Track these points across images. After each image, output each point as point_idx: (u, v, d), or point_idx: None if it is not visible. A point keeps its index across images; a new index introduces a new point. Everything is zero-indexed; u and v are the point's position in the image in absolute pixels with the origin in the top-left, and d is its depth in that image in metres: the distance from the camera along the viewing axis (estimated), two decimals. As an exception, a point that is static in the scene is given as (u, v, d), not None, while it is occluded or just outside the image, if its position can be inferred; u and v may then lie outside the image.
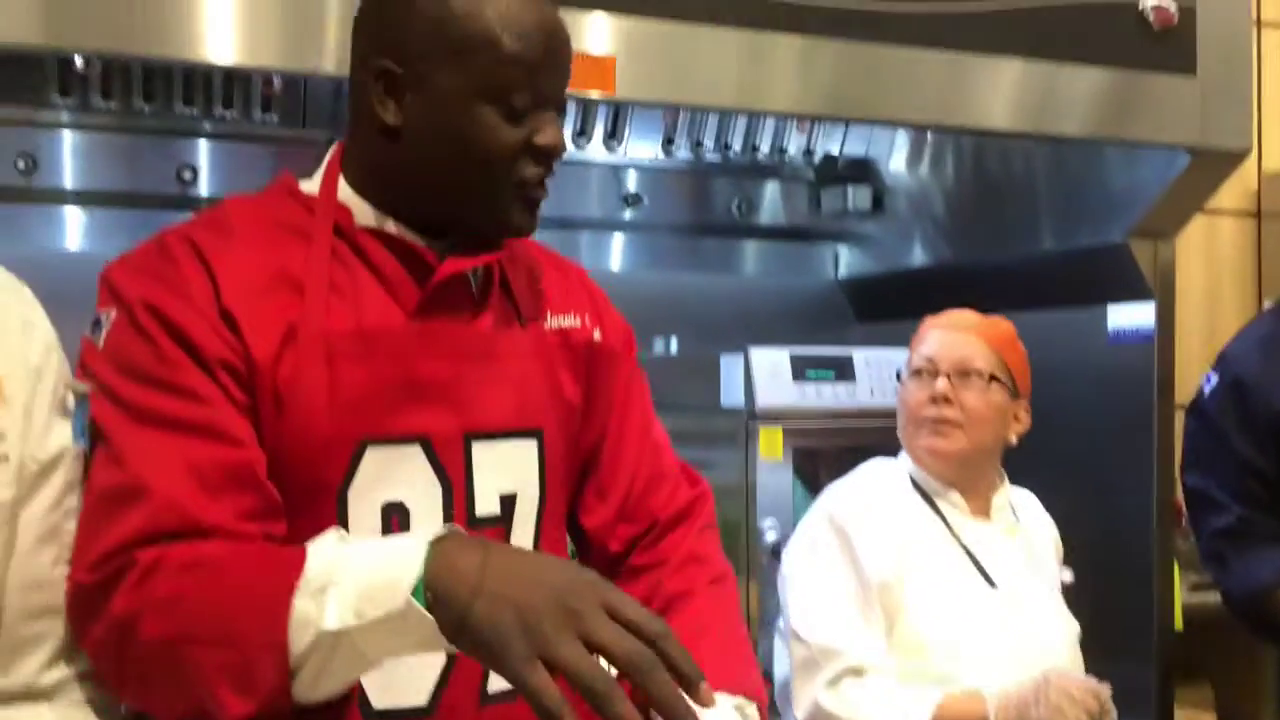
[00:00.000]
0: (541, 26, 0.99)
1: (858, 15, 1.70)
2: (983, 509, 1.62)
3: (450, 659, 1.00)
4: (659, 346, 2.41)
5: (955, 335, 1.62)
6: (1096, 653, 2.05)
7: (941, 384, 1.56)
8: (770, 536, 1.94)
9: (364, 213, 1.03)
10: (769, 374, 1.96)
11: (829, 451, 2.04)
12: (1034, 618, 1.54)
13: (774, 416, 1.96)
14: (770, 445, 1.94)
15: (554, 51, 1.01)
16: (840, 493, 1.60)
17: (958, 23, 1.77)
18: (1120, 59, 1.85)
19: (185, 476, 0.91)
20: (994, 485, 1.64)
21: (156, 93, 2.16)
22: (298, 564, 0.85)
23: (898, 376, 1.72)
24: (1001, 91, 1.81)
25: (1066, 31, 1.82)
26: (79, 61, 2.06)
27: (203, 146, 2.28)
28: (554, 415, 1.11)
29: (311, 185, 1.06)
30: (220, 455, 0.93)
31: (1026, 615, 1.54)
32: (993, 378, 1.58)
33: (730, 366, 2.01)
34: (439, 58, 0.97)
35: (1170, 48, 1.88)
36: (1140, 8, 1.85)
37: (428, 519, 1.00)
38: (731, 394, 2.01)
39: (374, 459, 0.98)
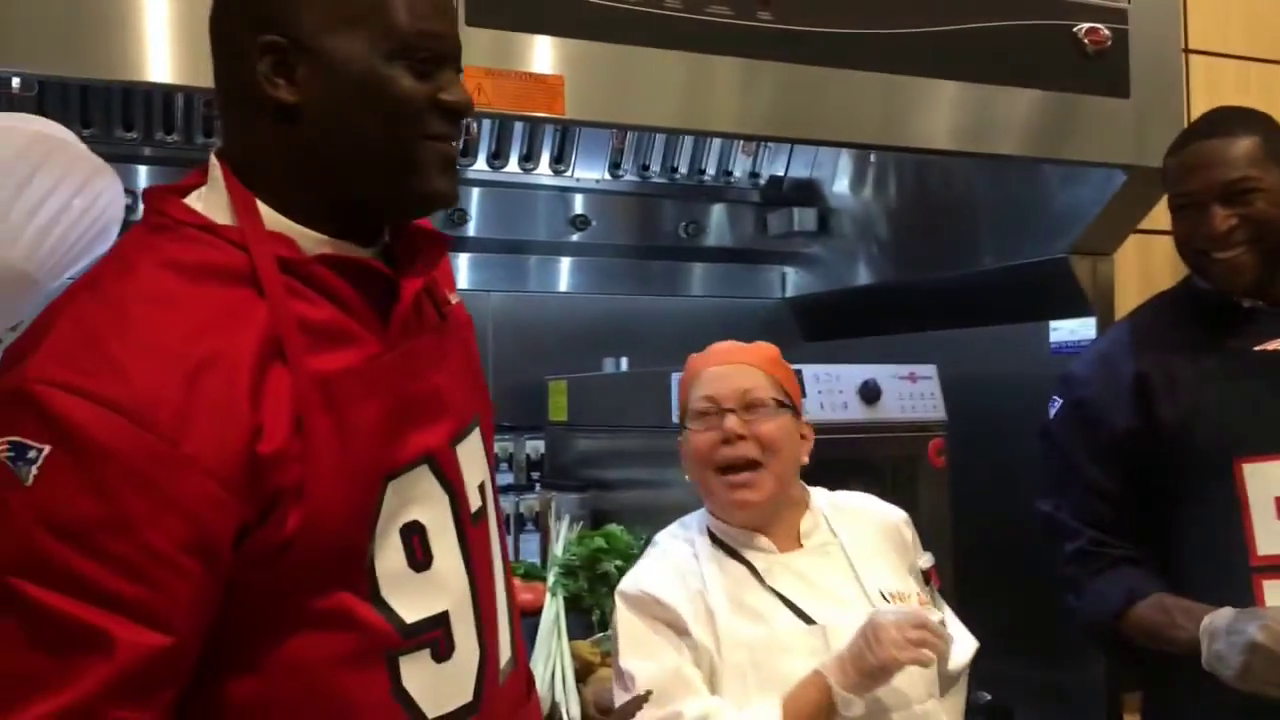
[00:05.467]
0: None
1: (799, 37, 1.73)
2: (793, 539, 1.55)
3: (483, 654, 1.02)
4: (609, 366, 2.41)
5: (729, 369, 1.55)
6: (1042, 654, 2.09)
7: (731, 421, 1.50)
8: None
9: (301, 234, 0.95)
10: (720, 391, 1.95)
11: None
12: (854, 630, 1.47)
13: (725, 433, 1.96)
14: (722, 463, 1.93)
15: (444, 6, 0.99)
16: (634, 584, 1.52)
17: (898, 46, 1.80)
18: (1056, 81, 1.89)
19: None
20: (800, 510, 1.58)
21: (95, 117, 2.13)
22: None
23: (678, 428, 1.61)
24: (940, 112, 1.84)
25: (1003, 54, 1.86)
26: (15, 83, 2.03)
27: (143, 171, 2.24)
28: (480, 390, 1.13)
29: (215, 211, 0.95)
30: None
31: (849, 634, 1.45)
32: (778, 403, 1.53)
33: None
34: (333, 25, 0.92)
35: (1104, 70, 1.93)
36: (1074, 30, 1.90)
37: (441, 531, 0.99)
38: (683, 412, 2.00)
39: (393, 491, 0.95)
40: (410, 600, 0.96)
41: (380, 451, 0.94)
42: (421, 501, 0.98)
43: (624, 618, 1.49)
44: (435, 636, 0.98)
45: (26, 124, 1.27)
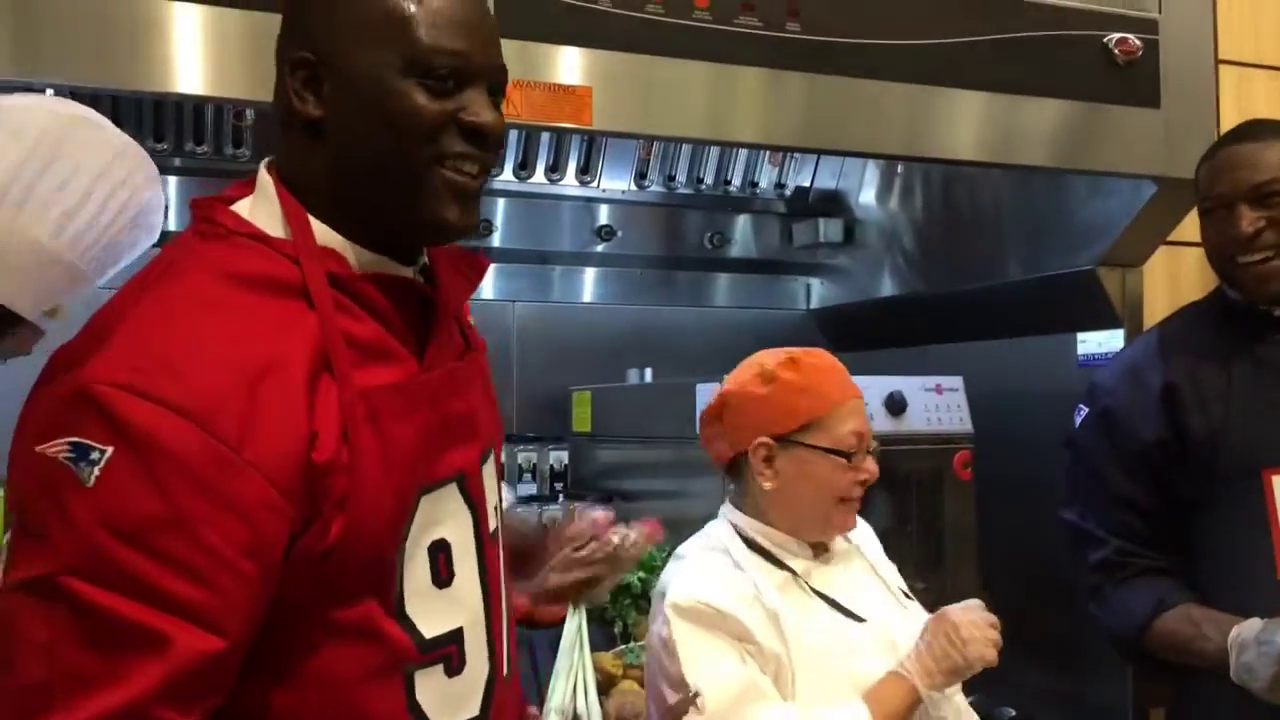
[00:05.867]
0: (451, 5, 0.95)
1: (826, 48, 1.73)
2: (823, 546, 1.55)
3: (492, 667, 1.03)
4: (633, 376, 2.41)
5: (860, 403, 1.54)
6: (1067, 667, 2.07)
7: (871, 464, 1.50)
8: (748, 566, 1.93)
9: (349, 249, 0.96)
10: (745, 403, 1.95)
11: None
12: (905, 632, 1.47)
13: (750, 445, 1.95)
14: (747, 474, 1.93)
15: (474, 24, 0.96)
16: (686, 595, 1.45)
17: (926, 56, 1.80)
18: (1086, 91, 1.88)
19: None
20: None
21: (126, 128, 2.15)
22: None
23: (775, 441, 1.50)
24: (968, 123, 1.83)
25: (1032, 64, 1.85)
26: (48, 94, 2.05)
27: (172, 182, 2.27)
28: (495, 413, 1.15)
29: (265, 222, 0.95)
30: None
31: (901, 632, 1.47)
32: None
33: (706, 395, 1.99)
34: (354, 39, 0.93)
35: (1134, 80, 1.92)
36: (1104, 41, 1.89)
37: (463, 549, 1.01)
38: (707, 423, 2.00)
39: (425, 506, 0.97)
40: (430, 616, 0.97)
41: (418, 467, 0.95)
42: (448, 520, 0.99)
43: (681, 629, 1.43)
44: (449, 652, 0.99)
45: (49, 104, 1.27)
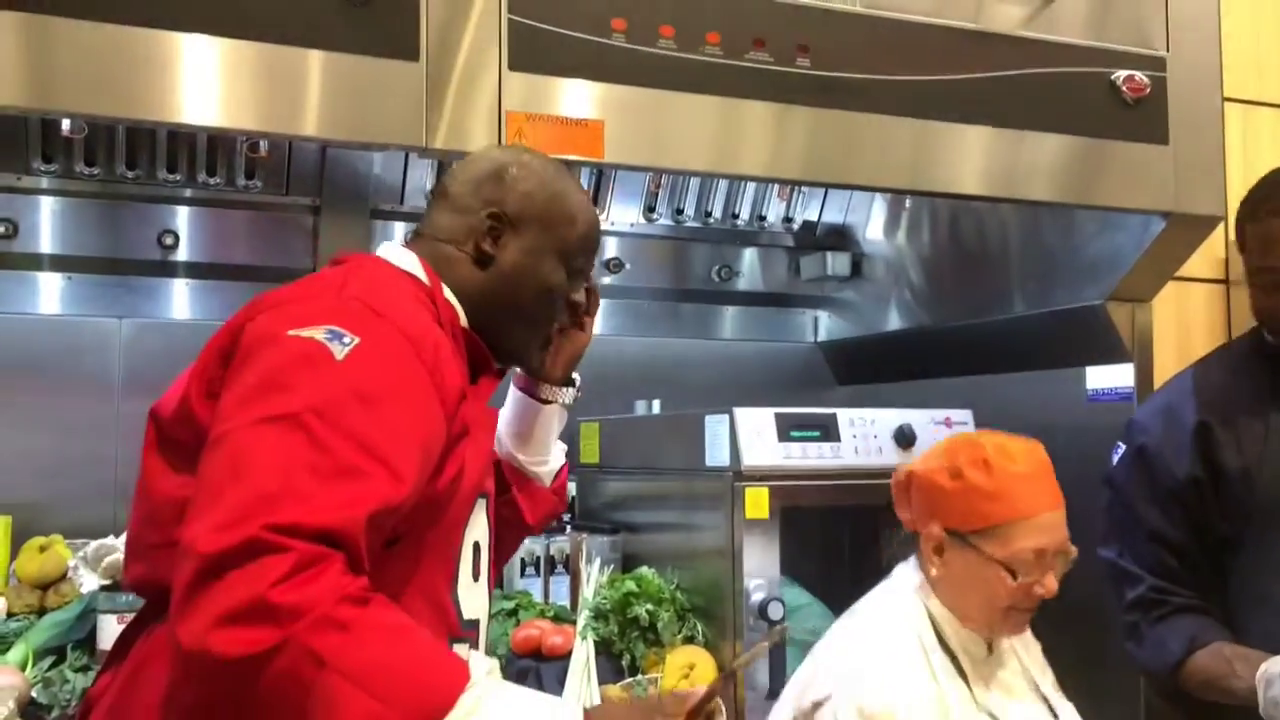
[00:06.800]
0: (597, 222, 1.37)
1: (834, 83, 1.74)
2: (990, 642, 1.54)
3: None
4: (640, 408, 2.41)
5: (1059, 516, 1.49)
6: (1088, 704, 2.05)
7: (1052, 581, 1.46)
8: (757, 596, 1.92)
9: (460, 312, 1.29)
10: (754, 434, 1.95)
11: (815, 511, 2.03)
12: None
13: (759, 476, 1.95)
14: (756, 505, 1.93)
15: (599, 242, 1.39)
16: (868, 685, 1.40)
17: (935, 93, 1.81)
18: (1094, 128, 1.90)
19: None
20: None
21: (140, 159, 2.17)
22: (462, 677, 0.98)
23: (947, 534, 1.47)
24: (975, 158, 1.85)
25: (1041, 101, 1.86)
26: (65, 125, 2.07)
27: (184, 213, 2.28)
28: None
29: (409, 268, 1.27)
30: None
31: None
32: None
33: (715, 427, 2.00)
34: (538, 220, 1.30)
35: (1143, 117, 1.93)
36: (1112, 78, 1.90)
37: (485, 558, 1.28)
38: (716, 454, 2.00)
39: (478, 509, 1.24)
40: (467, 602, 1.22)
41: (483, 471, 1.24)
42: (482, 528, 1.27)
43: None
44: (473, 636, 1.25)
45: None
